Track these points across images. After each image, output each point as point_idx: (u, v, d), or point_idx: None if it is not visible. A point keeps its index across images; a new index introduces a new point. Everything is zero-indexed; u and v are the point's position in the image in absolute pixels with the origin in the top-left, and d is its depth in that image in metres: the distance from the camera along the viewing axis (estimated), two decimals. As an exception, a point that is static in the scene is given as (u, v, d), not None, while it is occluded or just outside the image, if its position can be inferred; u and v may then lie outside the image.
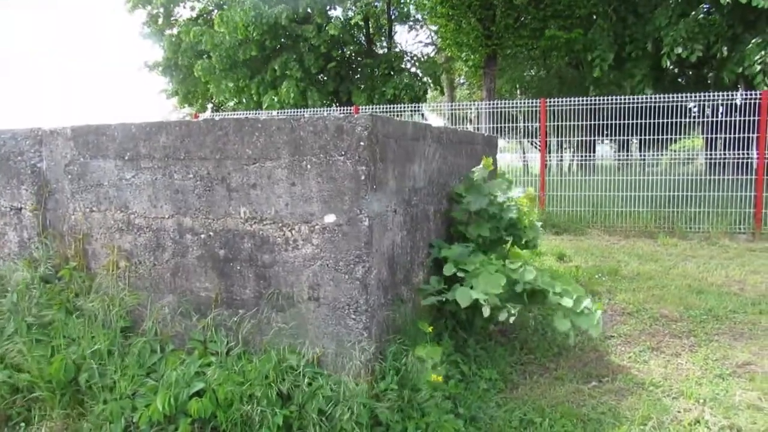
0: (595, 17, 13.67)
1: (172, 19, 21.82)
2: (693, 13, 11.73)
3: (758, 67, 10.44)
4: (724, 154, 9.72)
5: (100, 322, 3.18)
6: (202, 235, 3.17)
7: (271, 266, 3.03)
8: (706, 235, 9.16)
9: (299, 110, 15.58)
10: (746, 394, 3.40)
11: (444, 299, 3.50)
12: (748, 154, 9.42)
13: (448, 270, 3.53)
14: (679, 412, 3.22)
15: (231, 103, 22.71)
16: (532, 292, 3.62)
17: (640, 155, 10.88)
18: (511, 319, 3.46)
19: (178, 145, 3.16)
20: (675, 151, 11.50)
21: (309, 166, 2.91)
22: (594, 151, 10.76)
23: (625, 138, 10.15)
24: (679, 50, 11.56)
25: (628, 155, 10.68)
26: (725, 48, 11.50)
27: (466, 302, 3.30)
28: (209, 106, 24.53)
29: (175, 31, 21.19)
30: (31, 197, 3.59)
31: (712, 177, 9.69)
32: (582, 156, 11.20)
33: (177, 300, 3.25)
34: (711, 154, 9.97)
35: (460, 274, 3.50)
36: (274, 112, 15.47)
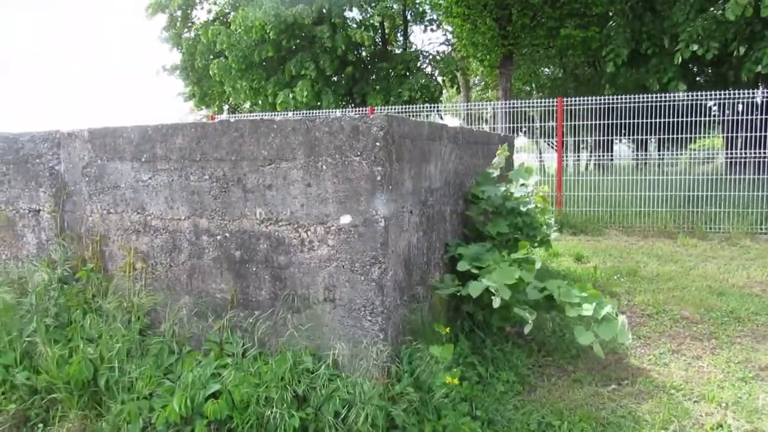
0: (612, 14, 13.52)
1: (189, 22, 22.02)
2: (711, 9, 11.54)
3: None
4: (744, 153, 9.56)
5: (117, 323, 3.20)
6: (218, 237, 3.17)
7: (286, 267, 3.03)
8: (727, 235, 9.01)
9: (313, 111, 15.62)
10: (770, 398, 3.33)
11: (459, 294, 3.48)
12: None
13: (462, 266, 3.50)
14: (700, 416, 3.16)
15: (247, 105, 22.86)
16: (549, 298, 3.59)
17: (659, 155, 10.73)
18: (527, 329, 3.44)
19: (194, 147, 3.17)
20: (694, 150, 11.32)
21: (324, 167, 2.90)
22: (611, 151, 10.62)
23: (643, 137, 10.04)
24: (695, 47, 11.40)
25: (646, 155, 10.55)
26: (743, 47, 11.31)
27: (476, 292, 3.28)
28: (225, 107, 24.71)
29: (192, 34, 21.39)
30: (49, 199, 3.62)
31: (732, 176, 9.54)
32: (599, 156, 11.09)
33: (193, 301, 3.25)
34: (731, 153, 9.82)
35: (474, 271, 3.47)
36: (289, 114, 15.53)
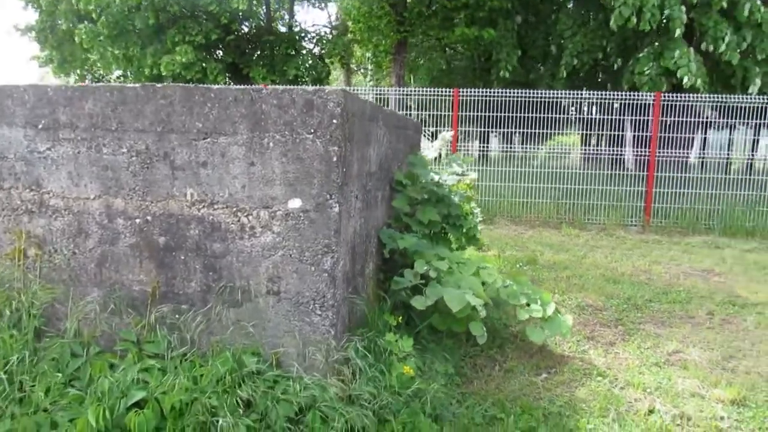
0: (497, 19, 14.00)
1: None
2: (590, 23, 12.41)
3: (645, 78, 11.23)
4: (615, 150, 10.34)
5: (5, 323, 2.66)
6: (138, 220, 2.73)
7: (222, 256, 2.67)
8: (603, 226, 9.70)
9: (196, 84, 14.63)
10: (686, 382, 3.53)
11: (433, 302, 3.31)
12: (643, 151, 10.05)
13: (420, 266, 3.33)
14: (630, 402, 3.26)
15: (115, 75, 20.95)
16: (497, 301, 3.57)
17: (549, 148, 11.27)
18: (481, 341, 3.39)
19: (109, 114, 2.69)
20: (558, 145, 12.00)
21: (272, 144, 2.58)
22: (511, 143, 11.03)
23: (532, 131, 10.46)
24: (575, 62, 12.28)
25: (532, 148, 11.00)
26: (620, 59, 12.30)
27: (457, 306, 3.12)
28: (88, 76, 22.46)
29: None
30: None
31: (606, 172, 10.25)
32: (481, 147, 11.44)
33: (104, 295, 2.79)
34: (592, 150, 10.61)
35: (432, 274, 3.31)
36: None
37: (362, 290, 3.27)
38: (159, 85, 2.65)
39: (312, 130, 2.55)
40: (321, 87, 2.65)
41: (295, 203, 2.60)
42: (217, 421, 2.33)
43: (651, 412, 3.15)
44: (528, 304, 3.51)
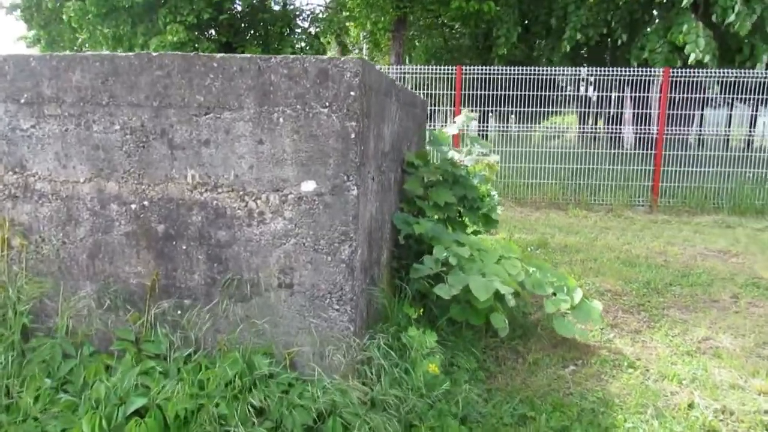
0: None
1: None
2: None
3: (658, 56, 10.88)
4: (615, 128, 10.08)
5: (-12, 321, 2.40)
6: (133, 206, 2.46)
7: (228, 246, 2.41)
8: (609, 207, 9.47)
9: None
10: (723, 373, 3.31)
11: (458, 291, 3.04)
12: (648, 129, 9.78)
13: (440, 253, 3.06)
14: (667, 396, 3.05)
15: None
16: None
17: (548, 127, 10.99)
18: (503, 333, 3.16)
19: (99, 87, 2.40)
20: (554, 124, 11.71)
21: (282, 120, 2.31)
22: (509, 122, 10.72)
23: (537, 110, 10.16)
24: (578, 36, 11.94)
25: (533, 127, 10.71)
26: (625, 34, 11.94)
27: (485, 295, 2.86)
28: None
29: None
30: None
31: (615, 151, 9.99)
32: (481, 126, 11.13)
33: (98, 289, 2.52)
34: (590, 128, 10.32)
35: (452, 261, 3.05)
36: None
37: (379, 280, 3.02)
38: (155, 54, 2.36)
39: (327, 104, 2.28)
40: (334, 56, 2.36)
41: (308, 186, 2.33)
42: (227, 431, 2.09)
43: (690, 406, 2.92)
44: (554, 294, 3.26)
